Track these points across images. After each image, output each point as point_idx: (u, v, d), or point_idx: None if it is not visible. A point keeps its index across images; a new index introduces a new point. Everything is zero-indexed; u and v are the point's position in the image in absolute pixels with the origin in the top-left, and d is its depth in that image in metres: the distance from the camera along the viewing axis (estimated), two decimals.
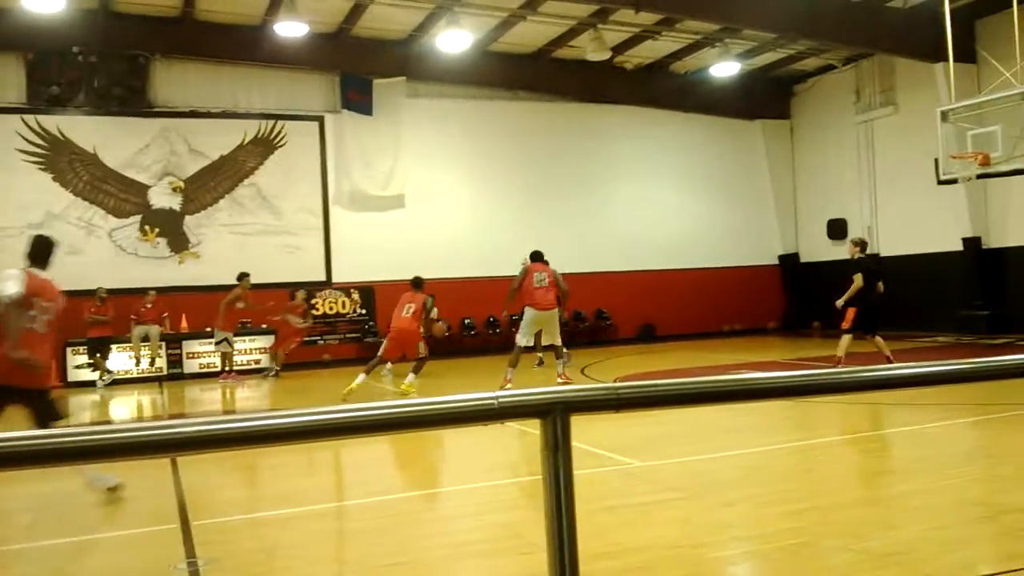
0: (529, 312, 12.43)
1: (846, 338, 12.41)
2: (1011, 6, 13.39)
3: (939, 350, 15.67)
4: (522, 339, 12.47)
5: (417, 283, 12.96)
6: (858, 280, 12.36)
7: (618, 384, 1.64)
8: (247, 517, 5.79)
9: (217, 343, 16.21)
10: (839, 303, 12.44)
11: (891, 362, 10.63)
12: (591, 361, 16.21)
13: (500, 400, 1.57)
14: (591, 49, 18.13)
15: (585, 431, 8.16)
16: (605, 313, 21.00)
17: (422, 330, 12.81)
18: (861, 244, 12.97)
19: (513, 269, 20.02)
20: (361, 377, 11.84)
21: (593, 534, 4.95)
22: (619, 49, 19.31)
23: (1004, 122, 13.47)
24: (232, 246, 18.23)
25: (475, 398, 1.58)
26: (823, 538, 4.68)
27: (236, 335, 16.62)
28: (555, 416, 1.57)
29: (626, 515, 5.44)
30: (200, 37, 17.90)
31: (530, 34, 18.72)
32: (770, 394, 1.91)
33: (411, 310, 12.43)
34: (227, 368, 16.21)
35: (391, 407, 1.57)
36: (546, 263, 13.00)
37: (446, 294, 19.47)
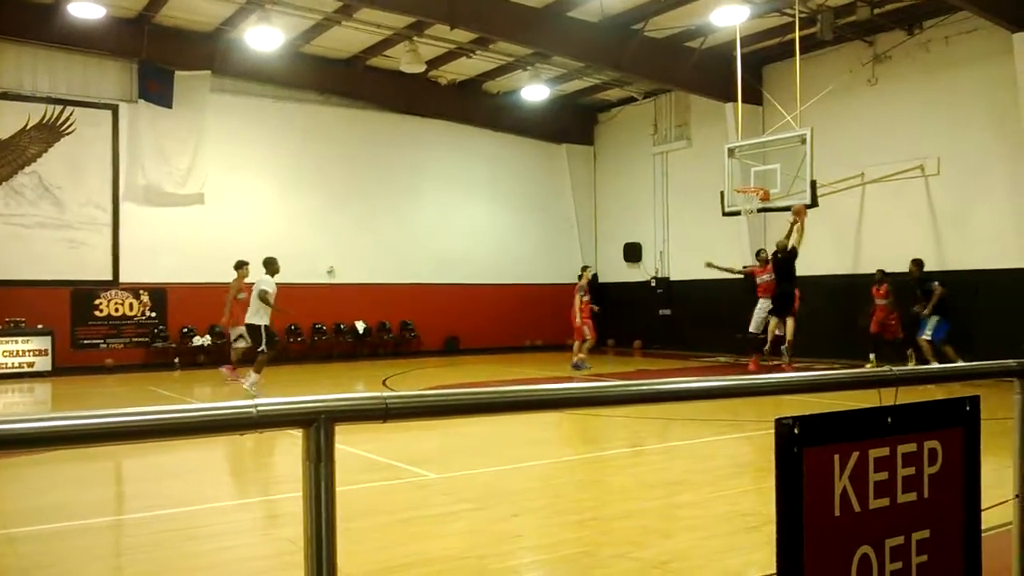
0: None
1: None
2: (795, 55, 14.61)
3: (713, 369, 16.85)
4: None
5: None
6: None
7: (385, 393, 1.61)
8: (5, 532, 5.30)
9: (234, 340, 14.97)
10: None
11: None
12: (394, 372, 16.13)
13: (259, 408, 1.49)
14: (406, 61, 18.11)
15: (382, 444, 8.11)
16: (410, 324, 20.96)
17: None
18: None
19: (319, 276, 19.86)
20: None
21: (385, 546, 4.92)
22: (434, 63, 19.41)
23: (783, 161, 14.67)
24: (7, 237, 16.76)
25: (232, 406, 1.50)
26: (604, 547, 4.87)
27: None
28: (318, 425, 1.52)
29: (418, 527, 5.44)
30: None
31: (345, 40, 18.47)
32: (533, 406, 1.95)
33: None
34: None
35: (140, 414, 1.47)
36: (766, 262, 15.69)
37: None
